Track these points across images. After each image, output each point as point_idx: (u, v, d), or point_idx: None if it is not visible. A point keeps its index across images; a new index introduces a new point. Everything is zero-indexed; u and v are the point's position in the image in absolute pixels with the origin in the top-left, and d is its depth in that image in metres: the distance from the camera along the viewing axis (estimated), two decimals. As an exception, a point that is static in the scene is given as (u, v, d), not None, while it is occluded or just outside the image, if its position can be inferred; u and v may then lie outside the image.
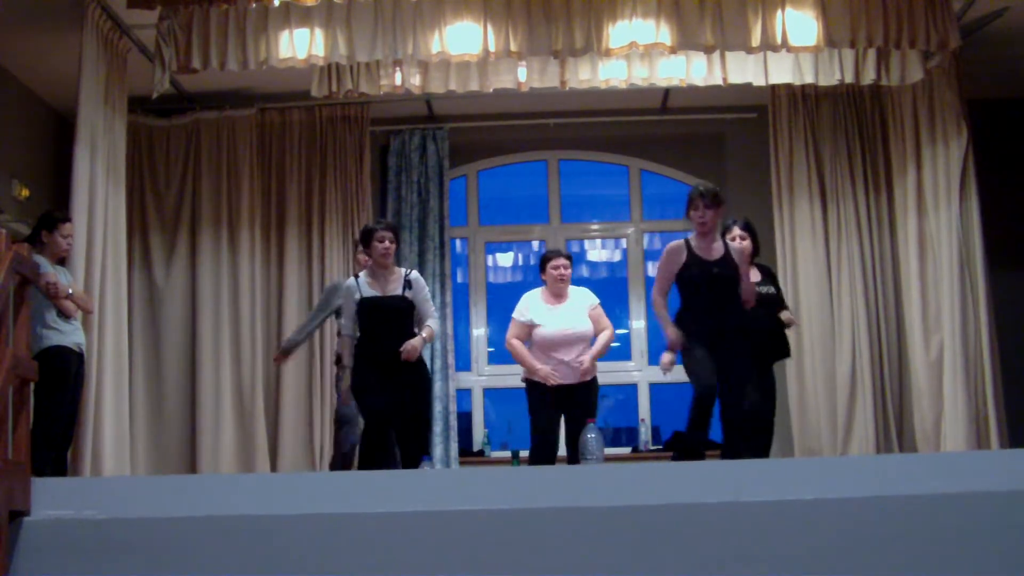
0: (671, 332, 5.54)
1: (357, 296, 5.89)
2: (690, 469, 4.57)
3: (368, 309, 5.86)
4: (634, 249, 8.83)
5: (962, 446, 6.89)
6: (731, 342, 5.47)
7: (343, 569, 3.91)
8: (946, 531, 3.91)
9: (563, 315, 6.20)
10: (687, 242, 5.63)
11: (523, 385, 6.27)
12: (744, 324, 5.56)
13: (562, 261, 6.26)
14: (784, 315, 6.20)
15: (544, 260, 6.33)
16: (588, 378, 6.14)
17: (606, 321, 6.30)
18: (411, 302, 5.89)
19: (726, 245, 5.67)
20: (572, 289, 6.32)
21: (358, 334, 5.93)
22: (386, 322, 5.84)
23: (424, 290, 6.00)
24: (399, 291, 5.88)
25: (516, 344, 6.24)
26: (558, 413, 6.13)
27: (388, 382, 5.75)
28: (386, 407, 5.76)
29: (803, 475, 4.16)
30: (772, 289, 6.18)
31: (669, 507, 3.99)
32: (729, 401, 5.50)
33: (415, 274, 6.01)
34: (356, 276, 6.07)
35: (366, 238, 5.99)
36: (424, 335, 5.87)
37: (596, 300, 6.33)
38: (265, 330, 8.11)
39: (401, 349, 5.74)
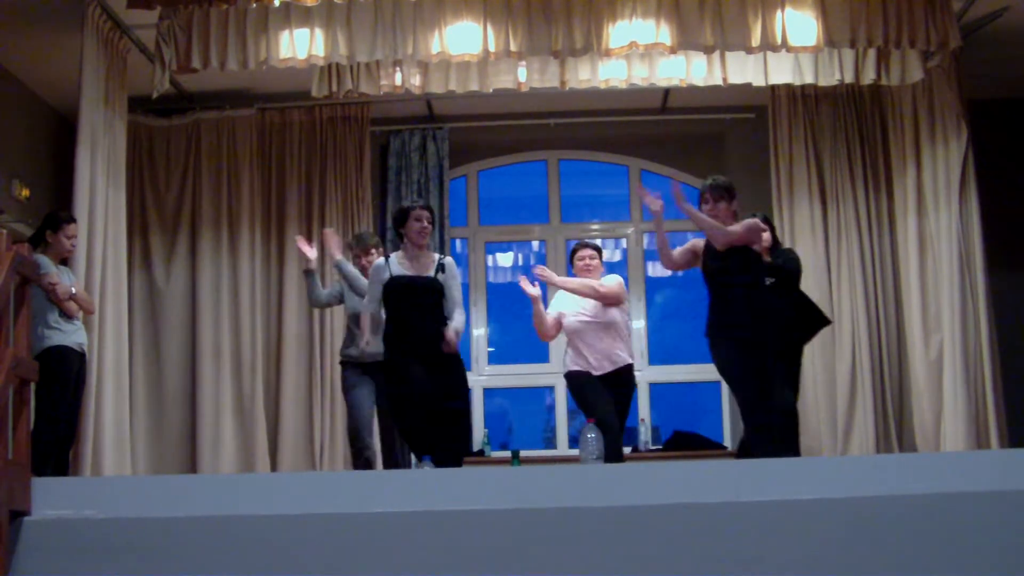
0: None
1: (386, 275, 5.57)
2: (690, 469, 4.57)
3: (398, 289, 5.55)
4: (634, 249, 8.82)
5: (962, 446, 6.88)
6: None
7: (343, 569, 3.91)
8: (946, 531, 3.90)
9: (583, 303, 6.13)
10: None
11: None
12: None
13: (587, 252, 6.25)
14: None
15: (572, 253, 6.34)
16: (625, 364, 6.09)
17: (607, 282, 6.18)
18: (443, 287, 5.61)
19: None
20: (605, 279, 6.26)
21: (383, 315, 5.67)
22: (417, 304, 5.53)
23: (456, 277, 5.72)
24: (432, 273, 5.61)
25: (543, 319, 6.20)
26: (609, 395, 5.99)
27: (426, 371, 5.45)
28: (433, 391, 5.41)
29: (803, 475, 4.16)
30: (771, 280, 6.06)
31: (669, 507, 3.98)
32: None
33: (449, 260, 5.74)
34: (387, 256, 5.72)
35: (402, 217, 5.68)
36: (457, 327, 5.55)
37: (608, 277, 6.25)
38: (265, 330, 8.10)
39: (445, 341, 5.44)
